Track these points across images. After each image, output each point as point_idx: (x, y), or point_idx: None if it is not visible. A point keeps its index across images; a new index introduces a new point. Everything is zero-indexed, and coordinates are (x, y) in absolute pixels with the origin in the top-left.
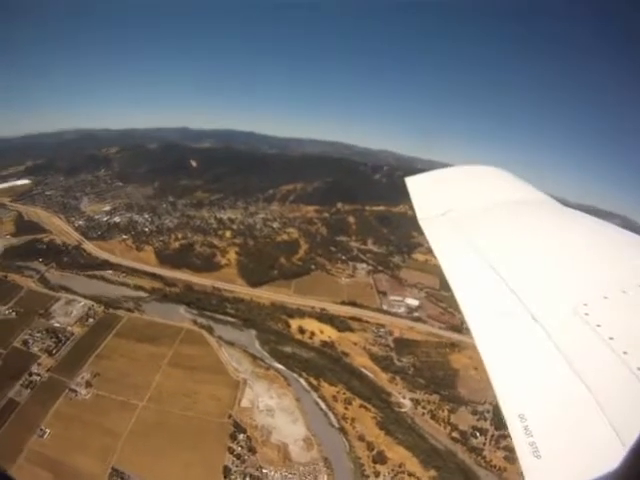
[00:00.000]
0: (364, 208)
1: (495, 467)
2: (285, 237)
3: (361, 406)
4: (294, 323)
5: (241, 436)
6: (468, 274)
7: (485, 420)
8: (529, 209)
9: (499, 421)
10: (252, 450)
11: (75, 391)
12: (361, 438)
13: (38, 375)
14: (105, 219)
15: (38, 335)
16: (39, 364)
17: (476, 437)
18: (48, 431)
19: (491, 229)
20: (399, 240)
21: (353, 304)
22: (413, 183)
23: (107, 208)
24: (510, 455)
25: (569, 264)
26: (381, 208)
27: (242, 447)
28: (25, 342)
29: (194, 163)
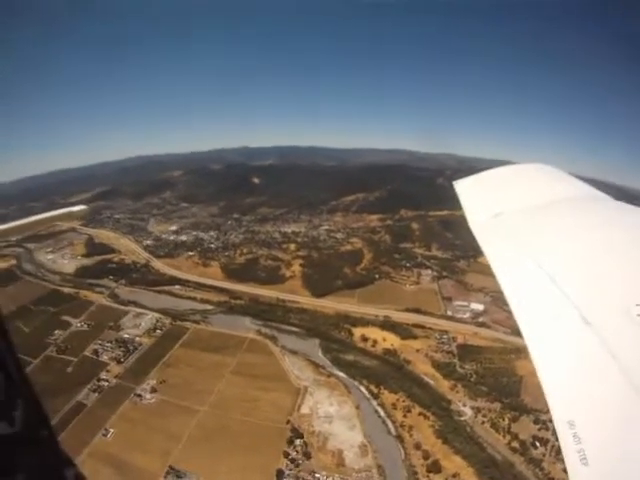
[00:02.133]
0: (427, 214)
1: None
2: (349, 247)
3: (420, 414)
4: (357, 332)
5: (298, 441)
6: (519, 277)
7: (547, 430)
8: (579, 206)
9: None
10: (307, 455)
11: (140, 396)
12: (417, 446)
13: (106, 381)
14: (172, 238)
15: (108, 345)
16: (108, 371)
17: (536, 447)
18: (112, 431)
19: (541, 230)
20: (464, 244)
21: (417, 311)
22: (462, 187)
23: (174, 228)
24: None
25: (621, 263)
26: (444, 213)
27: (298, 452)
28: (95, 351)
29: (257, 180)
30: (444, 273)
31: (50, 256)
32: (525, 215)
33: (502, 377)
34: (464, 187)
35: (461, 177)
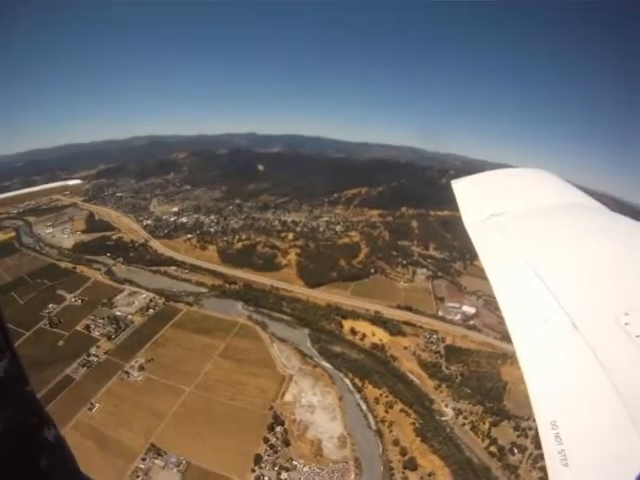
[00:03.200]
0: (428, 213)
1: None
2: (347, 240)
3: (402, 410)
4: (347, 324)
5: (278, 428)
6: (511, 280)
7: (526, 437)
8: (574, 213)
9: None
10: (286, 442)
11: (128, 373)
12: (396, 442)
13: (96, 356)
14: (172, 219)
15: (100, 321)
16: (98, 347)
17: (514, 454)
18: (98, 406)
19: (537, 234)
20: (462, 246)
21: (408, 309)
22: (459, 186)
23: (175, 209)
24: (545, 477)
25: (613, 271)
26: (445, 213)
27: (277, 438)
28: (87, 327)
29: (261, 167)
30: (439, 273)
31: (50, 230)
32: (521, 218)
33: (487, 381)
34: (461, 187)
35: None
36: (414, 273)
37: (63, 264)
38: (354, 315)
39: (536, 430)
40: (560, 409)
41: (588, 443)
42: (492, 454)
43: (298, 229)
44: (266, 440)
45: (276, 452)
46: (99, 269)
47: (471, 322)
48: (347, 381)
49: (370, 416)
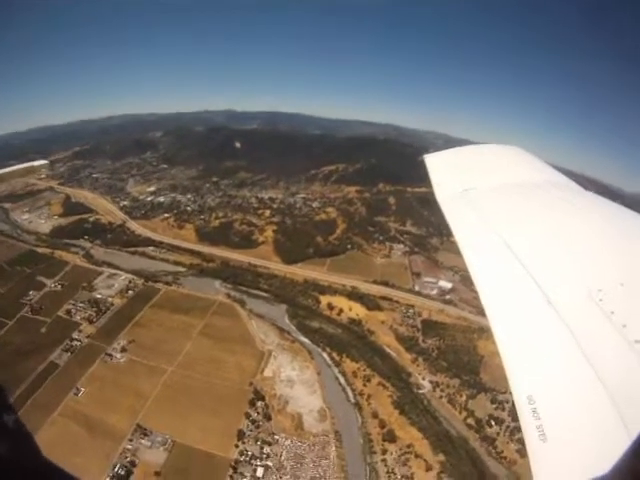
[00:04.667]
0: (406, 189)
1: (506, 459)
2: (323, 216)
3: (379, 384)
4: (324, 300)
5: (259, 403)
6: (485, 254)
7: (503, 410)
8: (548, 191)
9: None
10: (267, 417)
11: (111, 355)
12: (375, 415)
13: (78, 341)
14: (149, 199)
15: (81, 305)
16: (80, 331)
17: (491, 426)
18: (83, 390)
19: (510, 210)
20: (438, 222)
21: (385, 284)
22: (432, 161)
23: (152, 189)
24: (522, 448)
25: (586, 248)
26: (423, 190)
27: (259, 414)
28: (68, 311)
29: (238, 145)
30: (416, 249)
31: (26, 216)
32: (493, 193)
33: (463, 355)
34: (434, 162)
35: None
36: (391, 249)
37: (41, 250)
38: (331, 291)
39: (513, 403)
40: (536, 384)
41: (565, 418)
42: (470, 426)
43: (275, 206)
44: (248, 415)
45: (258, 427)
46: (77, 253)
47: (447, 297)
48: (325, 355)
49: (349, 390)
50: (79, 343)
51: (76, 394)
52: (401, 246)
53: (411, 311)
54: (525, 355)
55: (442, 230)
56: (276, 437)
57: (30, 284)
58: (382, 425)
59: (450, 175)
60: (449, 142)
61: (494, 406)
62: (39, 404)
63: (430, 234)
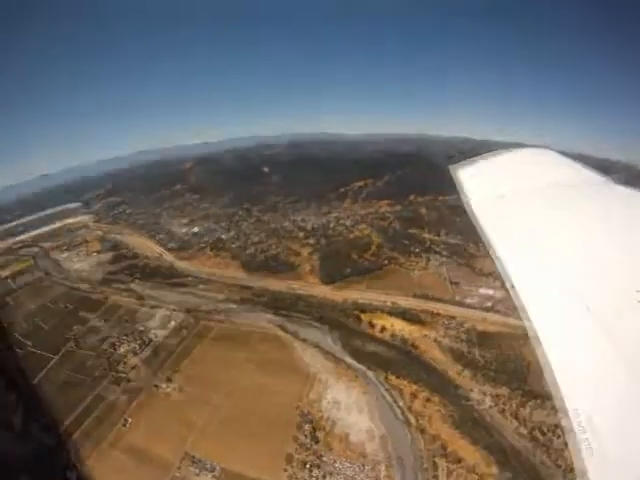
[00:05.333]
0: (436, 199)
1: (560, 466)
2: (357, 234)
3: (427, 399)
4: (365, 318)
5: (307, 426)
6: (522, 262)
7: (555, 415)
8: (581, 192)
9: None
10: (316, 440)
11: (157, 387)
12: (424, 431)
13: (124, 373)
14: (184, 230)
15: (125, 339)
16: (125, 364)
17: (544, 434)
18: (130, 420)
19: (543, 214)
20: (473, 228)
21: (425, 297)
22: (460, 171)
23: (185, 220)
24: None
25: (621, 250)
26: (454, 197)
27: (307, 437)
28: (113, 345)
29: (267, 169)
30: (453, 258)
31: (65, 254)
32: (527, 199)
33: (510, 362)
34: (461, 171)
35: (473, 157)
36: (428, 260)
37: (82, 287)
38: (372, 308)
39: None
40: (582, 397)
41: (612, 431)
42: (522, 435)
43: (308, 228)
44: (295, 439)
45: (306, 450)
46: (118, 288)
47: (489, 304)
48: (371, 374)
49: (396, 407)
50: (125, 375)
51: (124, 425)
52: (438, 257)
53: (454, 322)
54: (569, 367)
55: (478, 236)
56: (325, 459)
57: (74, 320)
58: (432, 441)
59: (479, 184)
60: (474, 146)
61: (545, 412)
62: (87, 435)
63: (466, 241)
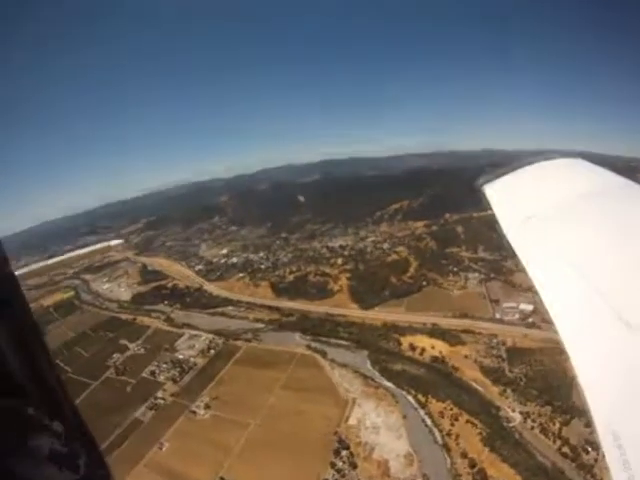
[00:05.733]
0: (472, 216)
1: None
2: (395, 257)
3: (468, 422)
4: (405, 341)
5: (344, 452)
6: (556, 285)
7: (594, 433)
8: (616, 204)
9: None
10: (353, 465)
11: (194, 412)
12: (464, 455)
13: (162, 399)
14: (223, 261)
15: (164, 366)
16: (164, 390)
17: (587, 452)
18: (167, 444)
19: (576, 230)
20: (510, 244)
21: (465, 316)
22: (491, 191)
23: (224, 251)
24: None
25: None
26: (489, 213)
27: (344, 462)
28: (152, 372)
29: (302, 198)
30: (492, 275)
31: (106, 285)
32: (558, 215)
33: (553, 379)
34: (493, 191)
35: (502, 173)
36: (466, 279)
37: (123, 316)
38: (411, 330)
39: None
40: (621, 418)
41: None
42: (565, 455)
43: (346, 253)
44: (333, 465)
45: (343, 476)
46: (158, 317)
47: (530, 320)
48: (410, 398)
49: (436, 431)
50: (163, 401)
51: (160, 448)
52: (476, 274)
53: (495, 341)
54: (607, 387)
55: (514, 251)
56: None
57: (114, 347)
58: (472, 464)
59: (510, 204)
60: (505, 156)
61: (589, 430)
62: (124, 457)
63: (504, 257)
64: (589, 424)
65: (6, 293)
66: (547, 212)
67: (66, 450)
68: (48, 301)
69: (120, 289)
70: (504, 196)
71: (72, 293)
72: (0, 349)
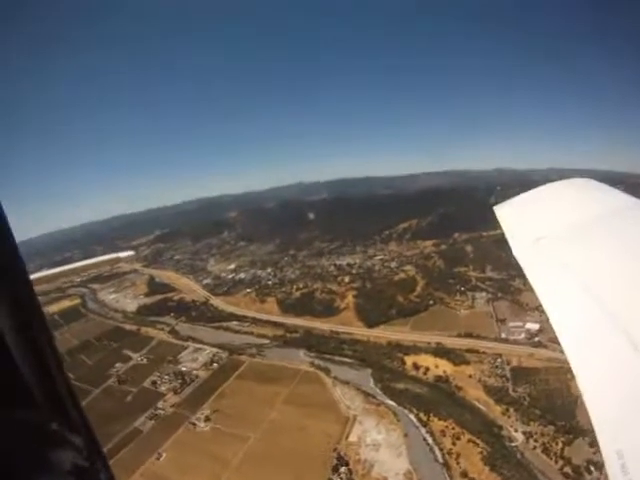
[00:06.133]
0: (481, 235)
1: None
2: (402, 275)
3: (469, 441)
4: (409, 360)
5: (342, 469)
6: (565, 304)
7: (598, 453)
8: (624, 223)
9: None
10: None
11: (194, 424)
12: (464, 474)
13: (162, 410)
14: (230, 276)
15: (166, 377)
16: (165, 401)
17: (590, 472)
18: (164, 455)
19: (586, 252)
20: (518, 263)
21: (470, 335)
22: (502, 212)
23: (232, 266)
24: None
25: None
26: (498, 232)
27: (342, 479)
28: (154, 383)
29: (311, 216)
30: (499, 294)
31: (113, 295)
32: (569, 236)
33: (557, 399)
34: (503, 213)
35: (513, 193)
36: (473, 298)
37: (128, 326)
38: (416, 350)
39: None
40: (626, 438)
41: None
42: (566, 475)
43: (354, 271)
44: None
45: None
46: (163, 329)
47: (536, 339)
48: (412, 417)
49: (437, 449)
50: (163, 412)
51: (158, 458)
52: (484, 294)
53: (499, 360)
54: (613, 407)
55: (523, 271)
56: None
57: (117, 357)
58: None
59: (520, 225)
60: (517, 176)
61: (593, 450)
62: (121, 466)
63: (512, 277)
64: (593, 444)
65: (24, 301)
66: (557, 233)
67: (88, 465)
68: (54, 308)
69: (126, 300)
70: (515, 217)
71: (78, 301)
72: (14, 360)
